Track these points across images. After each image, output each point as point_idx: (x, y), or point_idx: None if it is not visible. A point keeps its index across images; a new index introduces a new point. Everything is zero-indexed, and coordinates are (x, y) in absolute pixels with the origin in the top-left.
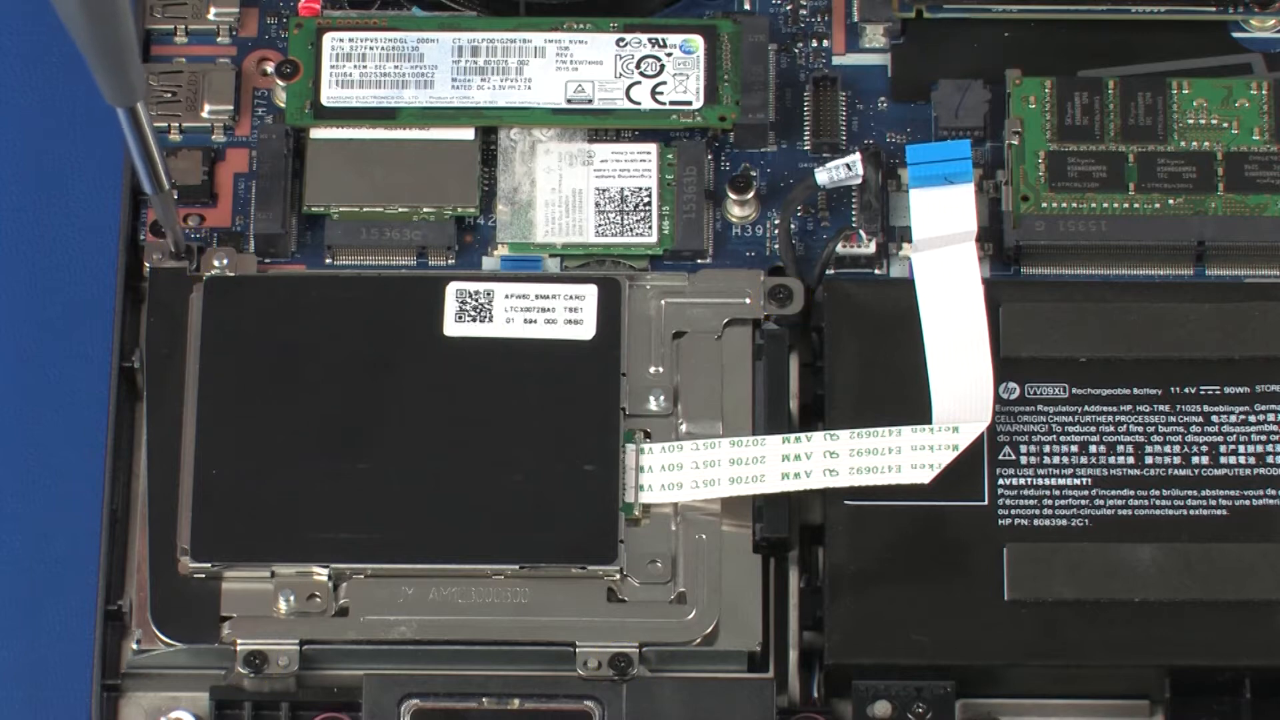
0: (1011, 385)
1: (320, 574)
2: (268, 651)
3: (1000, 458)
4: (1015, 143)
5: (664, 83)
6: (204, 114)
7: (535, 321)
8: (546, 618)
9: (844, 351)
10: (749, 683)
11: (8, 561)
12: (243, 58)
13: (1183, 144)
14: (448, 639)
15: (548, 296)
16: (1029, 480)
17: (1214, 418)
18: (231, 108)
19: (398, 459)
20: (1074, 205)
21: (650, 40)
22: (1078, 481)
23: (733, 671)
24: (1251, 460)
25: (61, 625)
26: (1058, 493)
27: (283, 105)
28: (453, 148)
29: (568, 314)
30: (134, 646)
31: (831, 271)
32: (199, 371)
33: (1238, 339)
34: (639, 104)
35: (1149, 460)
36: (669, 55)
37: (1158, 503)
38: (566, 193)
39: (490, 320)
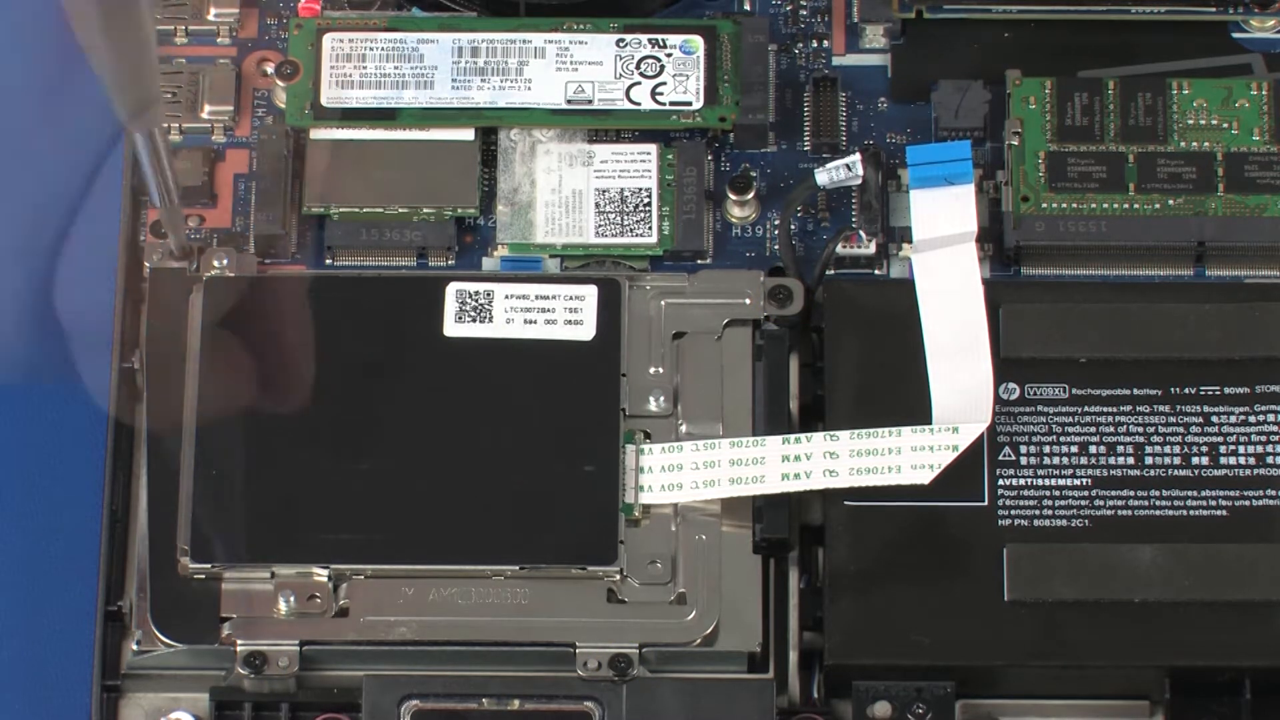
0: (1011, 385)
1: (320, 575)
2: (268, 652)
3: (1000, 458)
4: (1015, 143)
5: (664, 83)
6: (204, 114)
7: (535, 322)
8: (546, 618)
9: (844, 351)
10: (749, 683)
11: (8, 561)
12: (243, 58)
13: (1183, 144)
14: (448, 640)
15: (548, 297)
16: (1029, 480)
17: (1214, 418)
18: (231, 108)
19: (398, 459)
20: (1074, 205)
21: (650, 41)
22: (1078, 482)
23: (733, 672)
24: (1251, 460)
25: (61, 625)
26: (1058, 493)
27: (283, 106)
28: (453, 148)
29: (568, 314)
30: (134, 647)
31: (831, 272)
32: (199, 372)
33: (1238, 339)
34: (639, 104)
35: (1149, 461)
36: (669, 56)
37: (1158, 503)
38: (566, 193)
39: (490, 320)
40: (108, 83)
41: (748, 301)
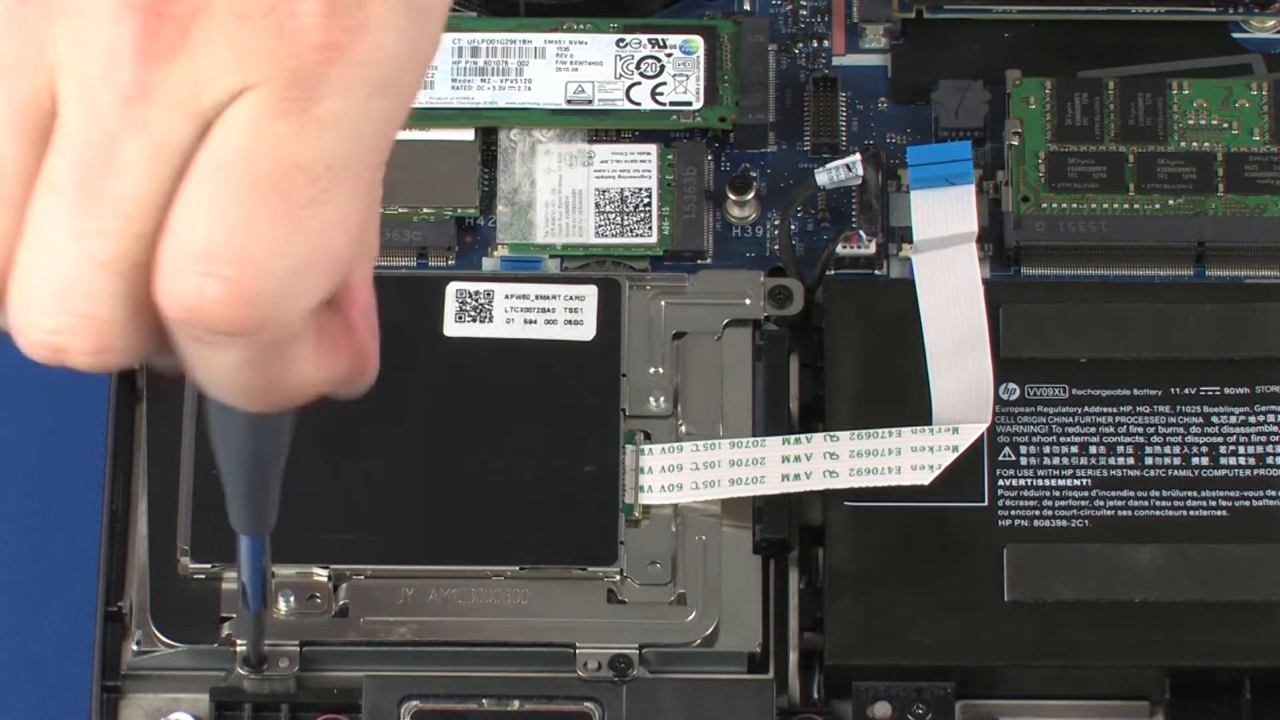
0: (1011, 386)
1: (320, 575)
2: (268, 651)
3: (1000, 458)
4: (1015, 143)
5: (664, 83)
6: None
7: (535, 322)
8: (546, 619)
9: (844, 351)
10: (749, 684)
11: (8, 561)
12: None
13: (1183, 144)
14: (448, 640)
15: (548, 297)
16: (1029, 481)
17: (1214, 418)
18: None
19: (398, 459)
20: (1074, 206)
21: (650, 41)
22: (1078, 482)
23: (733, 673)
24: (1251, 461)
25: (61, 625)
26: (1058, 493)
27: None
28: (453, 148)
29: (568, 314)
30: (134, 647)
31: (831, 272)
32: None
33: (1238, 339)
34: (639, 104)
35: (1149, 461)
36: (669, 56)
37: (1158, 503)
38: (566, 193)
39: (490, 320)
40: (232, 493)
41: (748, 301)
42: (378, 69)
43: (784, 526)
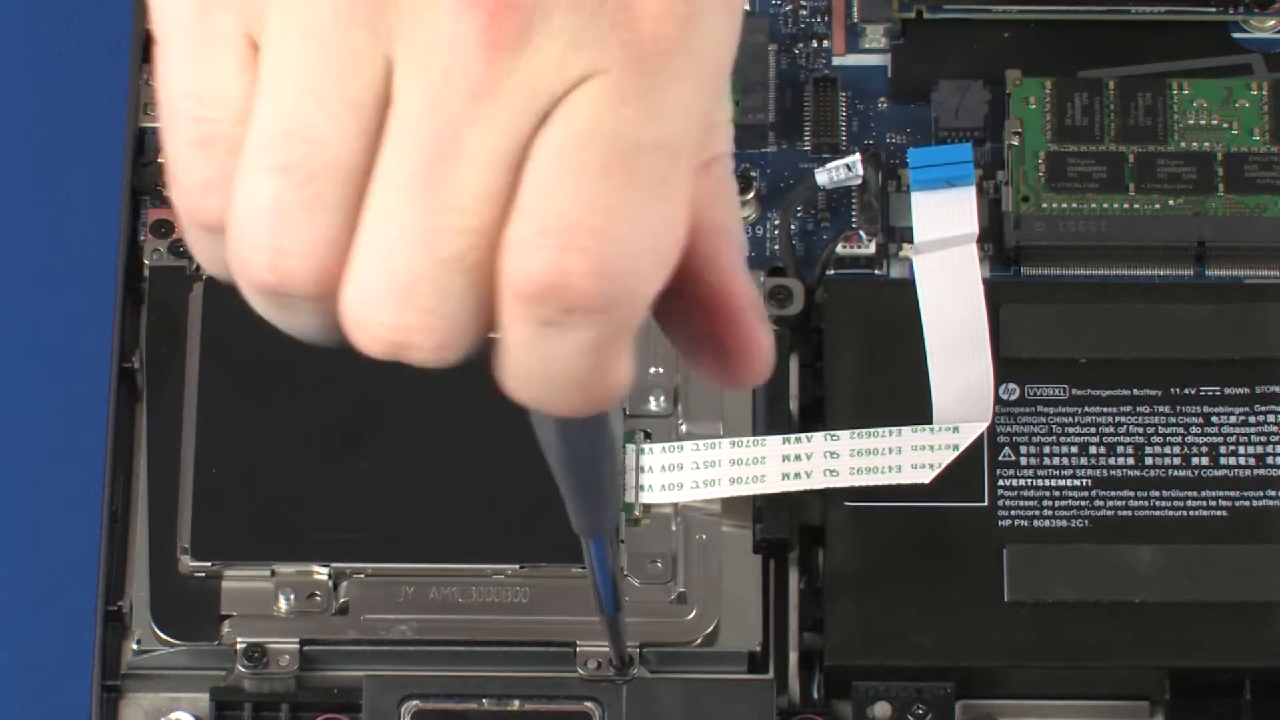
0: (1011, 386)
1: (320, 573)
2: (268, 648)
3: (1000, 458)
4: (1015, 143)
5: None
6: None
7: None
8: (547, 618)
9: (844, 351)
10: (749, 683)
11: (8, 561)
12: None
13: (1183, 144)
14: (448, 639)
15: None
16: (1029, 481)
17: (1214, 419)
18: None
19: (398, 458)
20: (1074, 206)
21: None
22: (1078, 482)
23: (733, 672)
24: (1251, 461)
25: (61, 625)
26: (1058, 494)
27: None
28: None
29: None
30: (134, 647)
31: (832, 272)
32: (199, 371)
33: (1238, 339)
34: None
35: (1149, 461)
36: None
37: (1158, 504)
38: None
39: None
40: (565, 492)
41: None
42: (706, 57)
43: (784, 526)
